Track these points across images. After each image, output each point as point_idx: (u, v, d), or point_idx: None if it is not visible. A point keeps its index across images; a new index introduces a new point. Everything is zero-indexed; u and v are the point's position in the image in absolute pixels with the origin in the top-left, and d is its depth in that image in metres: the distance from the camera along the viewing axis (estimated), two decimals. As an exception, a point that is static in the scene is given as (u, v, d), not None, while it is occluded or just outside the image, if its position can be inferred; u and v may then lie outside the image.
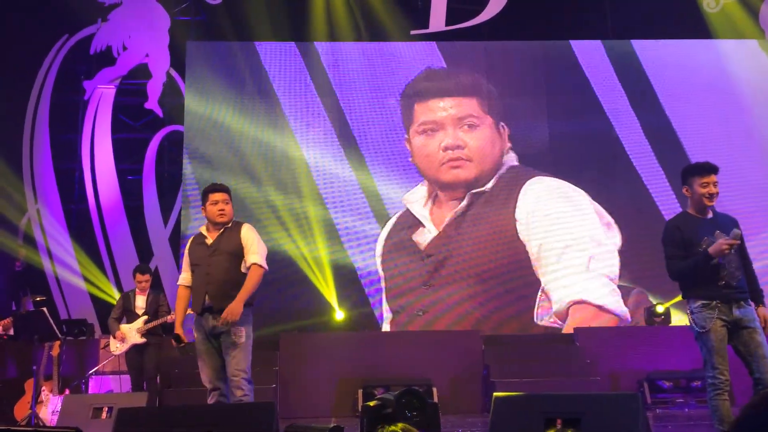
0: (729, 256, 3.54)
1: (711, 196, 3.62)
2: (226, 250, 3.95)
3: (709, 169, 3.66)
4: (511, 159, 8.14)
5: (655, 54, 8.53)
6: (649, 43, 8.60)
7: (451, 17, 8.84)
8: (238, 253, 3.96)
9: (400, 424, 2.60)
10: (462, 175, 7.97)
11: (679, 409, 6.28)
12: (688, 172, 3.71)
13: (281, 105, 8.36)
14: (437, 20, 8.85)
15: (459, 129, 8.05)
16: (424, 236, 7.92)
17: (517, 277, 7.85)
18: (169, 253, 8.36)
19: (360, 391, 6.25)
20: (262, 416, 2.95)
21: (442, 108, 8.16)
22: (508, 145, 8.14)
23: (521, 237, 7.85)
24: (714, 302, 3.54)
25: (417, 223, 7.97)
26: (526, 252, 7.85)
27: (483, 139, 8.11)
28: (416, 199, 8.05)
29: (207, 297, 3.88)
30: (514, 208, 7.92)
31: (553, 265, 7.81)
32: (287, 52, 8.52)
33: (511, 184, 8.05)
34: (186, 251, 4.10)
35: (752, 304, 3.60)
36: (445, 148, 7.98)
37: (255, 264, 3.94)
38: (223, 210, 4.00)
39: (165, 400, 6.28)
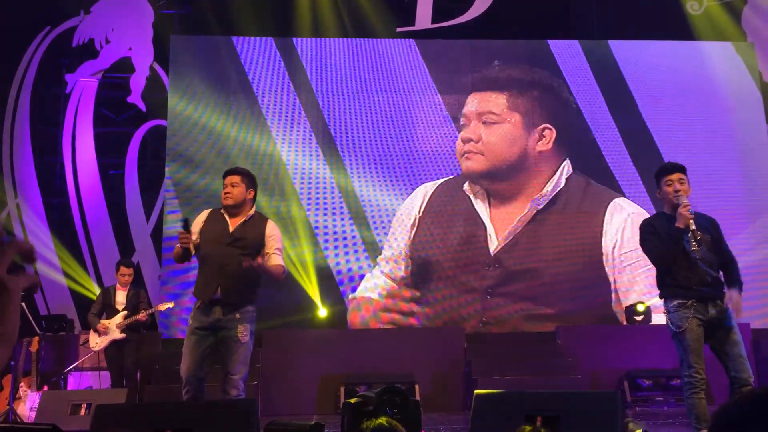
0: (703, 253, 3.57)
1: (677, 193, 3.67)
2: (246, 243, 3.80)
3: (671, 168, 3.75)
4: (567, 167, 8.03)
5: (641, 55, 8.58)
6: (636, 44, 8.65)
7: (438, 15, 8.86)
8: (259, 248, 3.82)
9: (383, 417, 2.60)
10: (472, 166, 8.02)
11: (658, 407, 6.35)
12: (655, 175, 3.84)
13: (265, 101, 8.29)
14: (423, 17, 8.85)
15: (479, 123, 8.14)
16: (489, 241, 7.82)
17: (592, 292, 7.71)
18: (151, 249, 8.28)
19: (342, 388, 6.25)
20: (243, 413, 2.94)
21: (471, 102, 8.30)
22: (543, 147, 8.04)
23: (606, 267, 7.75)
24: (690, 301, 3.57)
25: (479, 221, 7.86)
26: (607, 280, 7.73)
27: (500, 135, 8.11)
28: (475, 191, 7.97)
29: (219, 289, 3.75)
30: (601, 234, 7.81)
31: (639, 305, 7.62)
32: (271, 47, 8.46)
33: (592, 202, 7.92)
34: (199, 220, 3.93)
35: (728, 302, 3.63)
36: (460, 140, 8.14)
37: (280, 265, 3.86)
38: (228, 193, 3.86)
39: (145, 397, 6.24)
